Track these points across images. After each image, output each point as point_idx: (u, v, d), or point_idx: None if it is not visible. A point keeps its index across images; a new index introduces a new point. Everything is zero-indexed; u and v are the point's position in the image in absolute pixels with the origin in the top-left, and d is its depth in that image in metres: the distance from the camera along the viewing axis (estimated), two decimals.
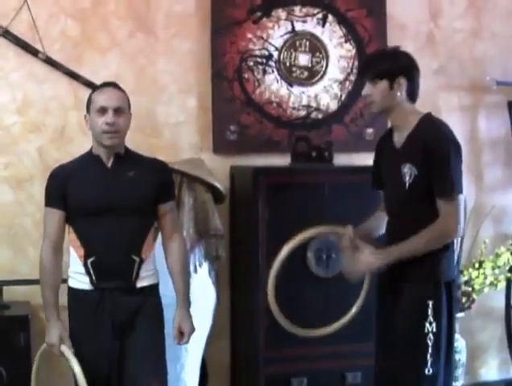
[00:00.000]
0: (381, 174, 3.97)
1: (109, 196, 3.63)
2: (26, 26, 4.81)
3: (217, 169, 5.08)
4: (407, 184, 3.72)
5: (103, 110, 3.61)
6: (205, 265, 4.73)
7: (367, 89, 3.80)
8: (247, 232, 4.90)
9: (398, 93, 3.74)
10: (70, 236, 3.72)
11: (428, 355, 3.64)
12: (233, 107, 5.21)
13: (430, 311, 3.65)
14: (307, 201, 4.85)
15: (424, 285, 3.70)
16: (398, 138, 3.82)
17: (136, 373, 3.63)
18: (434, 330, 3.64)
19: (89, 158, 3.75)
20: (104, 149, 3.67)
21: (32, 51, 4.82)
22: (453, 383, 4.07)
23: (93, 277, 3.62)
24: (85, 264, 3.62)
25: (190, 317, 3.81)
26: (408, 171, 3.71)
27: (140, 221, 3.67)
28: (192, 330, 3.80)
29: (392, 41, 5.45)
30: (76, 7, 4.92)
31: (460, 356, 5.37)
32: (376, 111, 3.84)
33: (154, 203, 3.73)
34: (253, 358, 4.84)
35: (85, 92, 4.87)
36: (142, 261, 3.65)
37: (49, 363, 4.87)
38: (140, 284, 3.67)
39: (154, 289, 3.77)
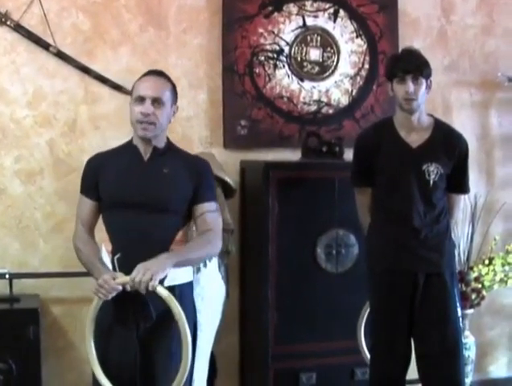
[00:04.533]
0: (379, 173, 4.05)
1: (140, 191, 3.43)
2: (38, 19, 4.80)
3: (228, 163, 5.07)
4: (431, 182, 3.95)
5: (141, 99, 3.43)
6: (215, 260, 4.72)
7: (410, 86, 3.90)
8: (257, 226, 4.90)
9: (427, 94, 3.92)
10: (104, 231, 3.54)
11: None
12: (244, 102, 5.19)
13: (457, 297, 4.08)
14: (318, 196, 4.85)
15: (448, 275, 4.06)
16: (416, 138, 3.96)
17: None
18: (460, 313, 4.08)
19: (128, 147, 3.57)
20: (141, 141, 3.49)
21: (43, 45, 4.81)
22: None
23: None
24: (112, 261, 3.41)
25: (160, 262, 3.30)
26: (435, 170, 3.95)
27: (169, 220, 3.45)
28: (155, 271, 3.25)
29: (404, 37, 5.45)
30: (87, 1, 4.91)
31: (470, 353, 5.35)
32: (415, 109, 3.92)
33: (188, 203, 3.51)
34: (262, 353, 4.84)
35: (96, 86, 4.91)
36: None
37: (58, 358, 4.92)
38: (168, 283, 3.36)
39: (184, 288, 3.53)
